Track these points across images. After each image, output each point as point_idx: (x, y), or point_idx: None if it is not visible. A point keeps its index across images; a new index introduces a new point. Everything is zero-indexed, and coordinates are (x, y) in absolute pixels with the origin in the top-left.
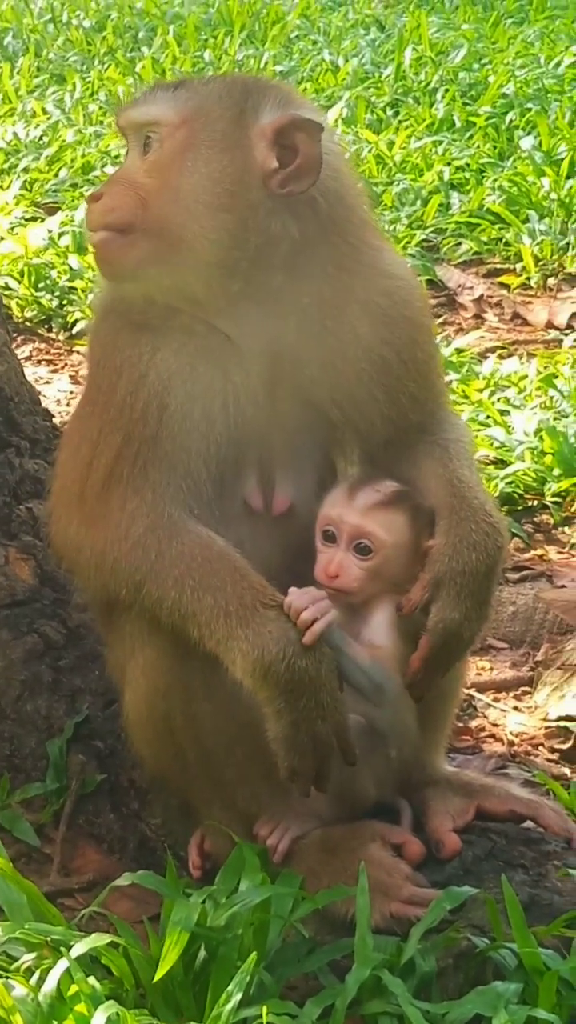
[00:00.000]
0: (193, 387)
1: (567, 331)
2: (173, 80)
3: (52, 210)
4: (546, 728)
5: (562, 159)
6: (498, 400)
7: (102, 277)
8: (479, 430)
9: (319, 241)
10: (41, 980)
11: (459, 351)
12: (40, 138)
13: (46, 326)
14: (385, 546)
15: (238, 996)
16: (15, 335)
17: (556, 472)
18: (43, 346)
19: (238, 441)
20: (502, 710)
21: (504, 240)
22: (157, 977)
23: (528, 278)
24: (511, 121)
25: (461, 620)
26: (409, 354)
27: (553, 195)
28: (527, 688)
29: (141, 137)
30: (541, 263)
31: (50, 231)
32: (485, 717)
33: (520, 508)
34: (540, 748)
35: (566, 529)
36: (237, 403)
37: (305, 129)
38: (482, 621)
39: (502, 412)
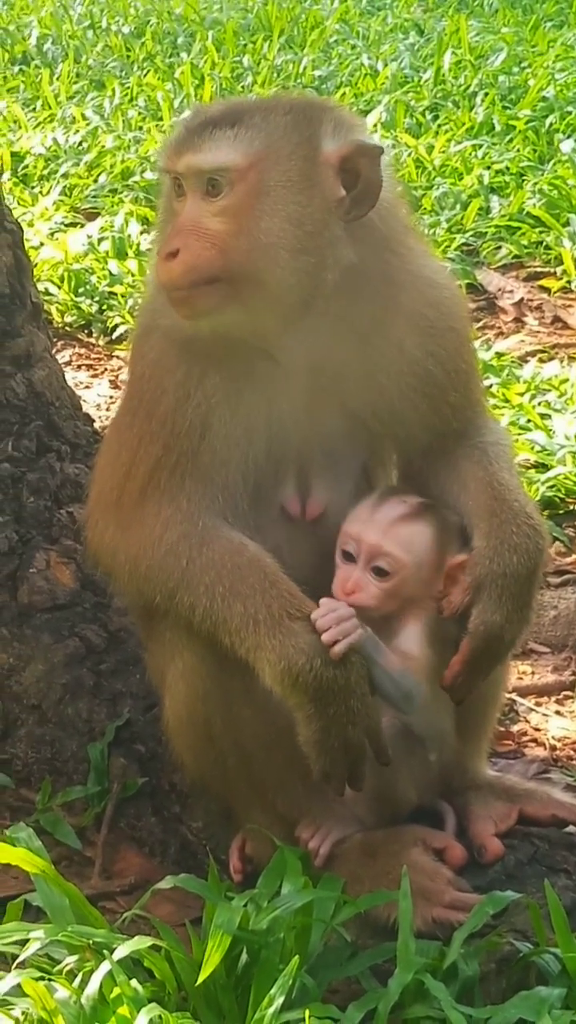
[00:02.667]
0: (237, 408)
1: None
2: (222, 110)
3: (92, 216)
4: None
5: None
6: (539, 404)
7: (179, 316)
8: (520, 434)
9: (372, 259)
10: (84, 983)
11: (499, 355)
12: (80, 144)
13: (86, 331)
14: (404, 567)
15: (280, 1000)
16: (55, 340)
17: None
18: (83, 351)
19: (277, 453)
20: (544, 714)
21: (544, 244)
22: (200, 980)
23: (569, 281)
24: (551, 124)
25: (502, 623)
26: (453, 365)
27: None
28: (569, 692)
29: (203, 181)
30: None
31: (90, 236)
32: (527, 721)
33: (561, 512)
34: None
35: None
36: (280, 420)
37: (368, 154)
38: (523, 624)
39: (543, 416)
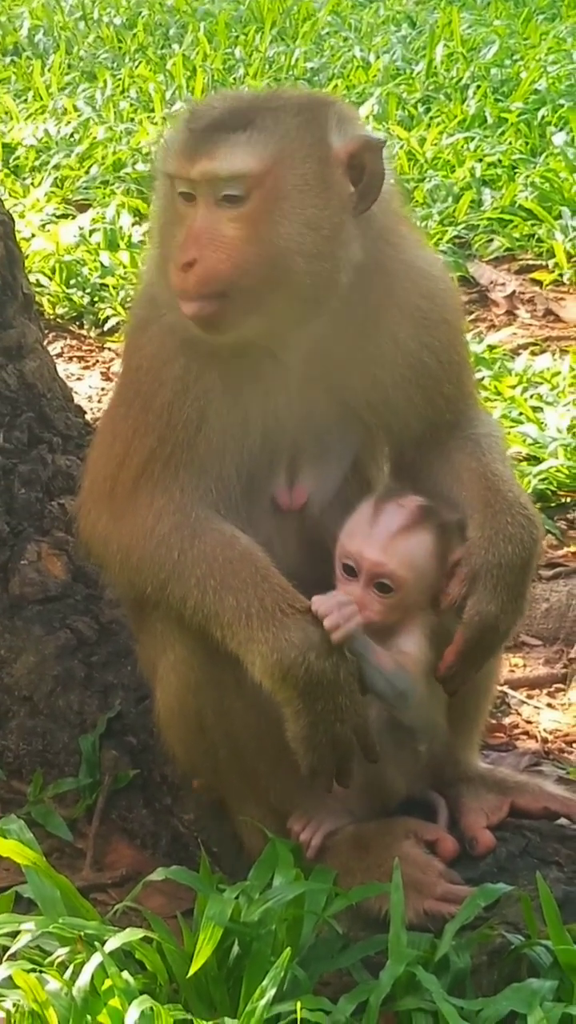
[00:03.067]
0: (235, 401)
1: None
2: (228, 110)
3: (83, 207)
4: None
5: None
6: (531, 397)
7: (202, 334)
8: (512, 427)
9: (371, 250)
10: (75, 974)
11: (491, 348)
12: (71, 135)
13: (78, 323)
14: (407, 582)
15: (272, 991)
16: (47, 332)
17: None
18: (75, 343)
19: (271, 444)
20: (535, 707)
21: (536, 236)
22: (191, 972)
23: (560, 274)
24: (543, 117)
25: (497, 613)
26: (447, 356)
27: None
28: (560, 685)
29: (217, 187)
30: (573, 259)
31: (81, 228)
32: (519, 714)
33: (553, 505)
34: (574, 745)
35: None
36: (275, 411)
37: (373, 148)
38: (518, 614)
39: (535, 409)
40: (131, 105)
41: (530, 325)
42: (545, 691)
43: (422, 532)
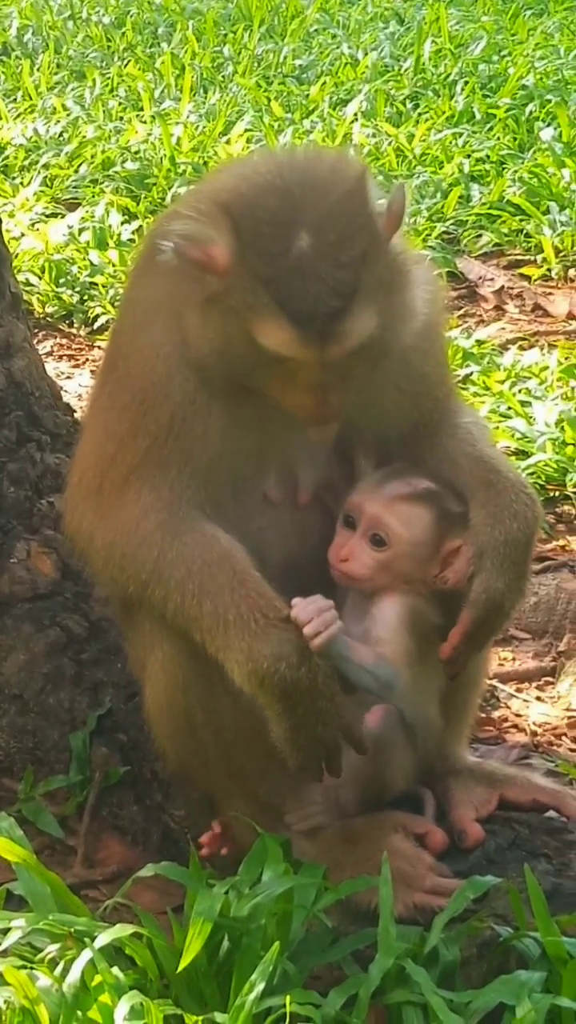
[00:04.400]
0: (234, 414)
1: None
2: (326, 285)
3: (72, 206)
4: (568, 718)
5: None
6: (519, 391)
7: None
8: (500, 421)
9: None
10: (65, 971)
11: (480, 343)
12: (60, 134)
13: (67, 321)
14: (400, 541)
15: (261, 986)
16: (36, 331)
17: None
18: (64, 341)
19: (264, 449)
20: (524, 700)
21: (525, 231)
22: (181, 967)
23: (549, 269)
24: (531, 112)
25: (504, 590)
26: (434, 359)
27: (573, 186)
28: (550, 678)
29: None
30: (562, 254)
31: (70, 227)
32: (508, 708)
33: (542, 499)
34: (563, 738)
35: None
36: (271, 420)
37: (402, 199)
38: (521, 594)
39: (523, 403)
40: (120, 104)
41: (519, 320)
42: (534, 684)
43: (424, 507)
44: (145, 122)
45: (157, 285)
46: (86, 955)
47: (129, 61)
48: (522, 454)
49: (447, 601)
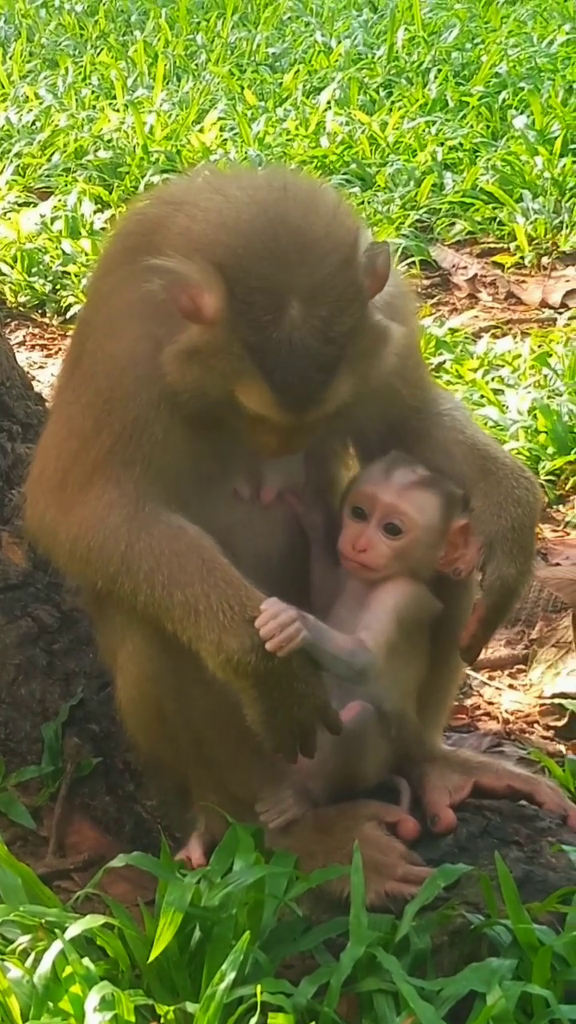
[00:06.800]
0: (204, 416)
1: (561, 310)
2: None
3: (45, 195)
4: (541, 706)
5: (555, 138)
6: (492, 379)
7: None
8: (473, 410)
9: None
10: (36, 962)
11: (453, 331)
12: (33, 123)
13: (39, 311)
14: (416, 527)
15: (232, 975)
16: (8, 320)
17: (550, 451)
18: (36, 331)
19: (229, 450)
20: (497, 688)
21: (498, 220)
22: (152, 957)
23: (522, 257)
24: (504, 100)
25: (516, 575)
26: (413, 361)
27: (546, 174)
28: (522, 666)
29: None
30: (535, 242)
31: (43, 216)
32: (480, 695)
33: None
34: (535, 726)
35: (560, 507)
36: (236, 433)
37: (386, 257)
38: (531, 575)
39: (496, 391)
40: (93, 92)
41: (492, 308)
42: (507, 672)
43: (433, 492)
44: (118, 110)
45: (133, 290)
46: (57, 946)
47: (102, 49)
48: None
49: (446, 587)
